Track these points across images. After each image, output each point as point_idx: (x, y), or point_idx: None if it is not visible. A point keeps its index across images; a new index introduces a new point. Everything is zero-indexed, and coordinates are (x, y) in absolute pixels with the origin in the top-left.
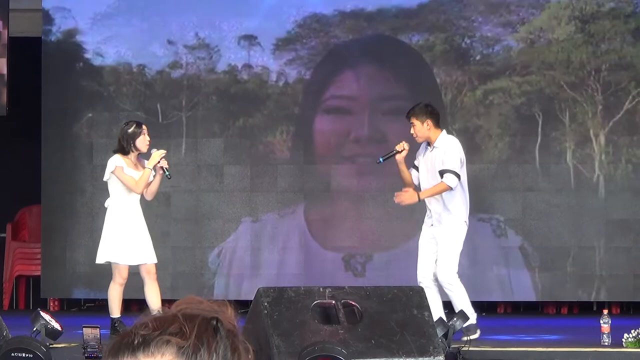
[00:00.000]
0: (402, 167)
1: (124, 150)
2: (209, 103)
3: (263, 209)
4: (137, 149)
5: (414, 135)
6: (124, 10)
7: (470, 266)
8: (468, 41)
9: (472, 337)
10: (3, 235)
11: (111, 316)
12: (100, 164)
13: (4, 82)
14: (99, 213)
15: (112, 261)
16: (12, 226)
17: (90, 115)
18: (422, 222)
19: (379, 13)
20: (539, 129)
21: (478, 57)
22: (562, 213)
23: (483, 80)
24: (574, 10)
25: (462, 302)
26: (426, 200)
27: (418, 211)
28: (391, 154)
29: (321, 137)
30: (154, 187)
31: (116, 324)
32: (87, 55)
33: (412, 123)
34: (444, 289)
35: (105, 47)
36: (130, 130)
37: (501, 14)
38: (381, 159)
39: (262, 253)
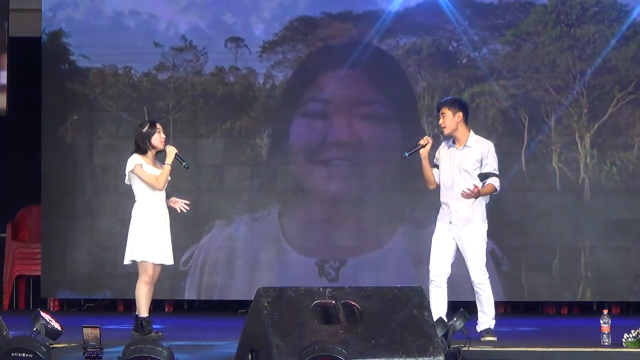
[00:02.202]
0: (426, 162)
1: (140, 150)
2: (195, 105)
3: (263, 209)
4: (153, 147)
5: (442, 126)
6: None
7: (461, 266)
8: (455, 44)
9: (490, 339)
10: (3, 235)
11: (139, 315)
12: (100, 164)
13: (4, 82)
14: (99, 213)
15: (138, 260)
16: (12, 226)
17: (89, 115)
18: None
19: (366, 16)
20: (525, 132)
21: (464, 61)
22: (550, 214)
23: (470, 83)
24: (560, 14)
25: (489, 303)
26: (448, 198)
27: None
28: (416, 148)
29: (303, 140)
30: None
31: (143, 323)
32: (86, 55)
33: (442, 113)
34: (475, 288)
35: (101, 49)
36: (144, 130)
37: (487, 17)
38: (406, 154)
39: (261, 253)
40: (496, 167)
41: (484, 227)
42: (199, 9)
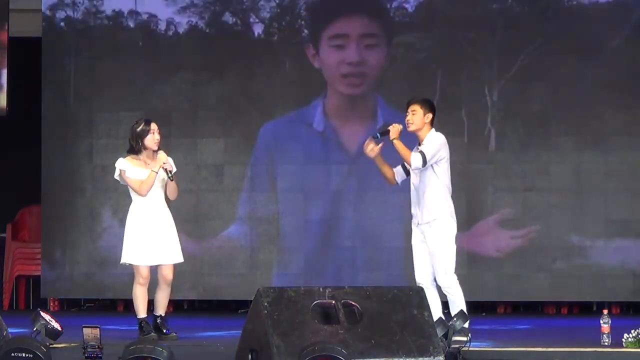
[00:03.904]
0: (379, 159)
1: (133, 150)
2: (196, 105)
3: (263, 209)
4: (146, 148)
5: (409, 122)
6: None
7: (468, 266)
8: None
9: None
10: (3, 235)
11: (137, 317)
12: (100, 165)
13: (4, 82)
14: (99, 213)
15: (130, 262)
16: (12, 226)
17: (89, 115)
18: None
19: (367, 14)
20: (526, 133)
21: (466, 61)
22: (561, 213)
23: (470, 83)
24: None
25: (459, 305)
26: (416, 197)
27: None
28: (386, 128)
29: (303, 140)
30: (171, 186)
31: (142, 324)
32: (86, 56)
33: (413, 110)
34: (443, 291)
35: (101, 49)
36: (138, 129)
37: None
38: (378, 134)
39: (261, 253)
40: (428, 153)
41: (451, 222)
42: (198, 9)
